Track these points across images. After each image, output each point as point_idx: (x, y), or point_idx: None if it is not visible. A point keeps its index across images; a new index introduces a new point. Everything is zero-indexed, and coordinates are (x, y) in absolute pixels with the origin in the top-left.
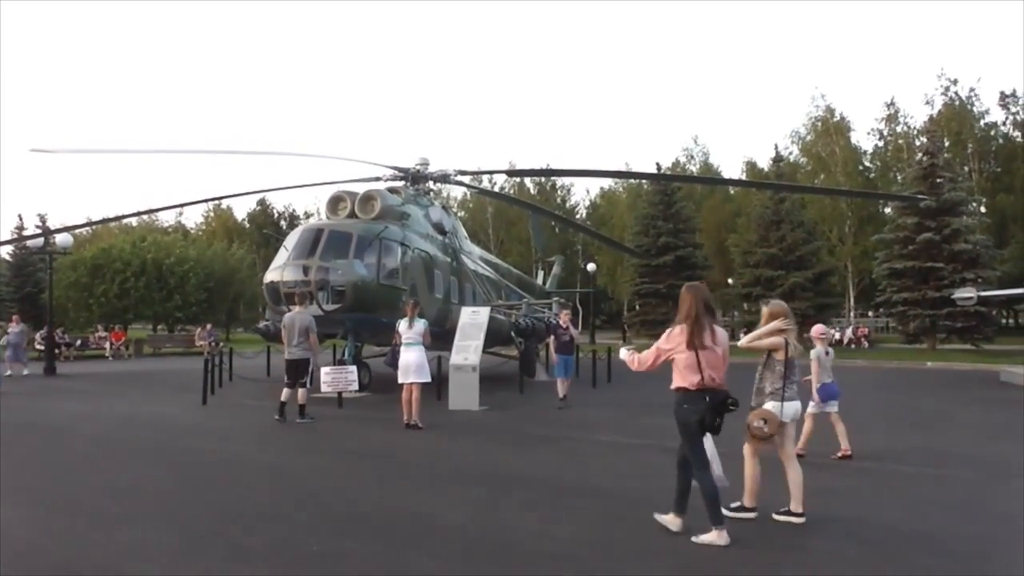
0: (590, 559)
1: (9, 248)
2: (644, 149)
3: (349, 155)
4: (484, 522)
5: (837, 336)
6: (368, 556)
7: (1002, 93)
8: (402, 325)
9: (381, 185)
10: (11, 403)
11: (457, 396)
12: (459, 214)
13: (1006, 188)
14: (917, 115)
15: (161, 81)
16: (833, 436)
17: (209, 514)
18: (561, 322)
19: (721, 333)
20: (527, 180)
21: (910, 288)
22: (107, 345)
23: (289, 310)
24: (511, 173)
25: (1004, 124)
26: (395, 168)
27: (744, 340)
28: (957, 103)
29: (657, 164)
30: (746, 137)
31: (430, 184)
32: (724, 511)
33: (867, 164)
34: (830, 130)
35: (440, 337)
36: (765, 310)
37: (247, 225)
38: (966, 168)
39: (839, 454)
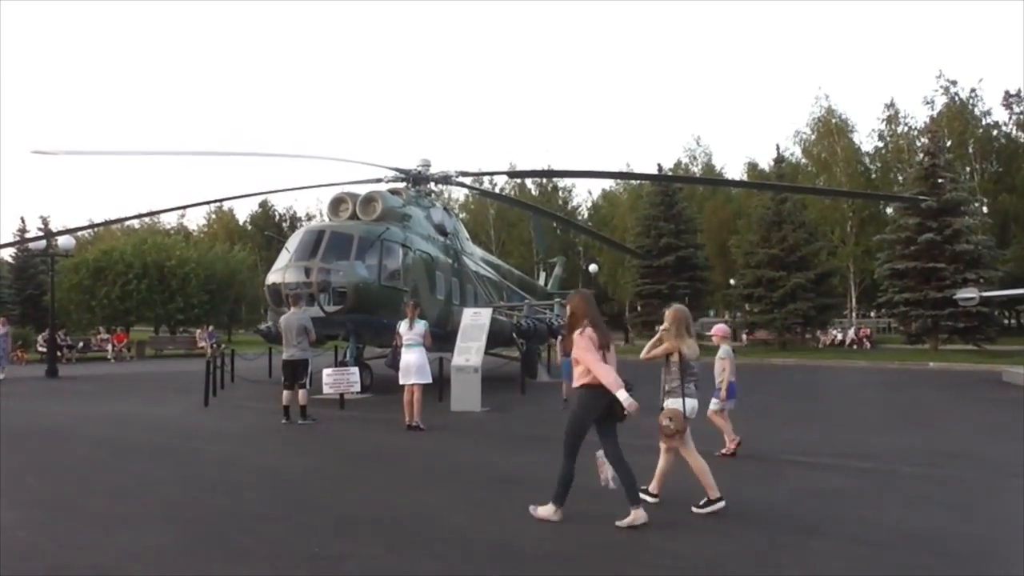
0: (592, 560)
1: (11, 250)
2: (646, 150)
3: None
4: (486, 523)
5: (839, 337)
6: (369, 557)
7: (1006, 93)
8: (402, 326)
9: (383, 186)
10: (12, 405)
11: (459, 397)
12: (460, 215)
13: (1008, 188)
14: (918, 115)
15: (163, 83)
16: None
17: (210, 515)
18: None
19: (609, 336)
20: (528, 181)
21: (912, 288)
22: (109, 347)
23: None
24: (512, 174)
25: (1007, 124)
26: (397, 169)
27: (642, 354)
28: (958, 103)
29: (659, 165)
30: (748, 138)
31: (431, 185)
32: (694, 508)
33: (868, 164)
34: (831, 131)
35: (442, 338)
36: (667, 312)
37: (249, 227)
38: (968, 168)
39: (725, 451)
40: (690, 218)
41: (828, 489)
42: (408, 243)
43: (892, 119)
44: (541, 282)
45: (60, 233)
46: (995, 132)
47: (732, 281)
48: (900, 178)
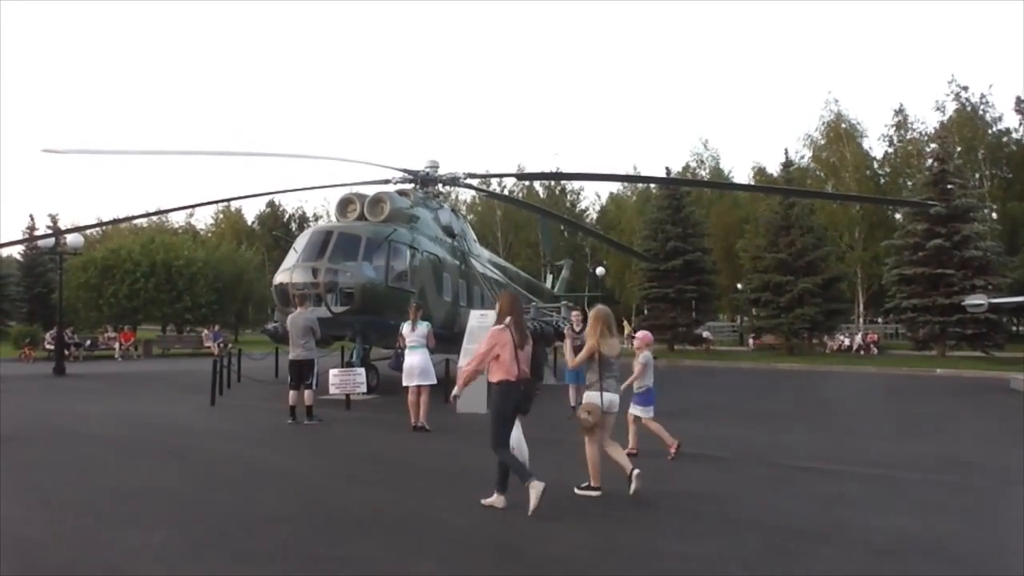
0: (596, 563)
1: (20, 248)
2: (654, 153)
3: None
4: (490, 525)
5: (847, 342)
6: (374, 559)
7: (1018, 99)
8: (405, 328)
9: (390, 188)
10: (20, 403)
11: (465, 399)
12: (468, 217)
13: (1017, 195)
14: (928, 120)
15: (172, 83)
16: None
17: (216, 515)
18: (574, 324)
19: (528, 332)
20: (536, 183)
21: (920, 294)
22: (116, 346)
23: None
24: (520, 176)
25: (1018, 130)
26: (404, 171)
27: (570, 364)
28: (968, 109)
29: (667, 168)
30: (756, 142)
31: (439, 187)
32: (576, 490)
33: (877, 170)
34: (841, 135)
35: (448, 340)
36: (590, 314)
37: (256, 227)
38: (977, 174)
39: (672, 451)
40: (697, 222)
41: (835, 495)
42: (415, 244)
43: (902, 124)
44: (548, 285)
45: (69, 231)
46: (1005, 138)
47: (739, 285)
48: (909, 183)
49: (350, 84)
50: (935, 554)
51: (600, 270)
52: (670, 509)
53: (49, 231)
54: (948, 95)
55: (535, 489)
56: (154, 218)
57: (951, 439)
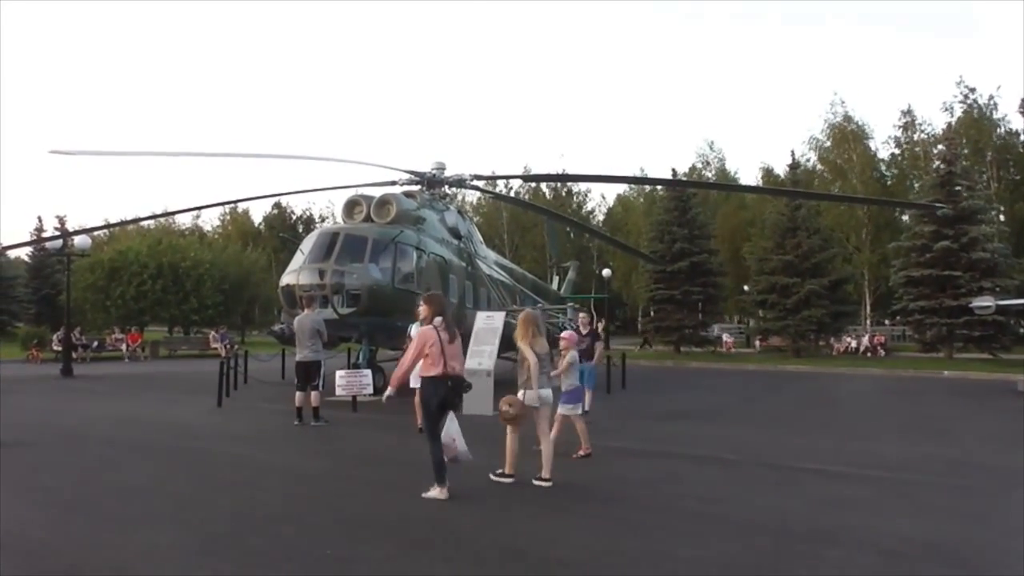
0: (604, 565)
1: (28, 250)
2: (660, 155)
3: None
4: (496, 527)
5: (853, 344)
6: (380, 560)
7: (1023, 100)
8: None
9: (397, 189)
10: (28, 403)
11: (471, 401)
12: (474, 218)
13: None
14: (936, 122)
15: (179, 85)
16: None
17: (223, 516)
18: (580, 327)
19: (456, 331)
20: (543, 185)
21: (927, 296)
22: (123, 347)
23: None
24: (527, 178)
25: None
26: (411, 172)
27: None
28: (976, 111)
29: (673, 170)
30: (762, 144)
31: (446, 188)
32: (492, 476)
33: (884, 171)
34: (847, 137)
35: None
36: (519, 318)
37: (262, 229)
38: (984, 176)
39: (580, 452)
40: (704, 224)
41: (842, 497)
42: (422, 246)
43: (909, 126)
44: (554, 286)
45: (76, 233)
46: (1012, 141)
47: (746, 287)
48: (916, 185)
49: (357, 86)
50: (942, 557)
51: (606, 272)
52: (677, 511)
53: (57, 233)
54: (956, 96)
55: (441, 494)
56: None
57: (958, 441)
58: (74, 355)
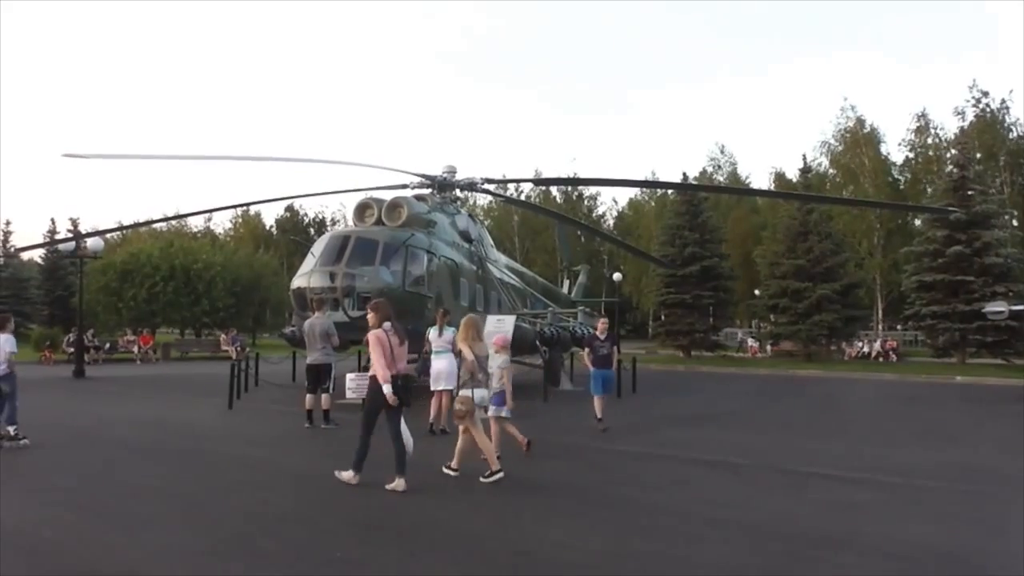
0: (615, 568)
1: (41, 252)
2: (671, 158)
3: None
4: (506, 530)
5: (865, 349)
6: (390, 562)
7: None
8: (432, 333)
9: (408, 192)
10: (40, 405)
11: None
12: (485, 222)
13: None
14: (948, 126)
15: (192, 88)
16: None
17: (233, 517)
18: (598, 332)
19: (402, 333)
20: (553, 189)
21: (939, 301)
22: (135, 349)
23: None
24: (537, 182)
25: None
26: (422, 175)
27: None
28: (989, 115)
29: (684, 174)
30: (774, 147)
31: (457, 192)
32: (445, 469)
33: (897, 175)
34: (859, 141)
35: None
36: (461, 321)
37: (274, 232)
38: (998, 180)
39: (525, 448)
40: (715, 228)
41: (853, 502)
42: (433, 249)
43: (922, 130)
44: (565, 290)
45: (89, 235)
46: None
47: (757, 292)
48: (929, 190)
49: (369, 90)
50: (954, 563)
51: (617, 276)
52: (688, 515)
53: (70, 235)
54: (968, 101)
55: (399, 486)
56: (173, 222)
57: (970, 447)
58: (86, 357)
